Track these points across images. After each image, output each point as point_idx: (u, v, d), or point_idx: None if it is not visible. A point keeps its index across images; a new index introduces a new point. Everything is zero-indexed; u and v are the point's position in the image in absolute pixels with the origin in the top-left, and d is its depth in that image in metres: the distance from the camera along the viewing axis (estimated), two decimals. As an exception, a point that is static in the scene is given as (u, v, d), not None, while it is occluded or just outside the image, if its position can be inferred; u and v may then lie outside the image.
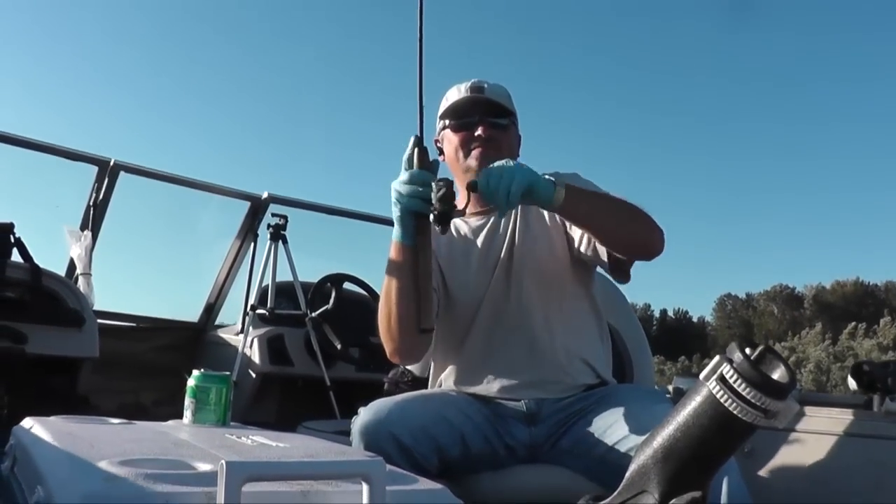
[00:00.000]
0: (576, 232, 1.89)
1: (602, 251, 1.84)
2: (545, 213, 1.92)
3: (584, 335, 1.96)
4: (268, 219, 4.08)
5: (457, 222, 2.03)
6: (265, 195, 4.20)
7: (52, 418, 1.45)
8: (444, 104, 2.02)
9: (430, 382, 2.07)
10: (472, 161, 1.93)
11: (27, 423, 1.39)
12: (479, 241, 1.97)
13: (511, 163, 1.59)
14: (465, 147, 1.95)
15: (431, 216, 1.54)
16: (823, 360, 31.38)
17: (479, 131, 1.93)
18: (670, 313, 57.50)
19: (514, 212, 1.96)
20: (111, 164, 3.80)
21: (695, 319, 58.21)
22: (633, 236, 1.78)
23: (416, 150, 1.61)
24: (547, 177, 1.62)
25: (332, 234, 4.93)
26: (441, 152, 2.03)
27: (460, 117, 1.96)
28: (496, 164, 1.58)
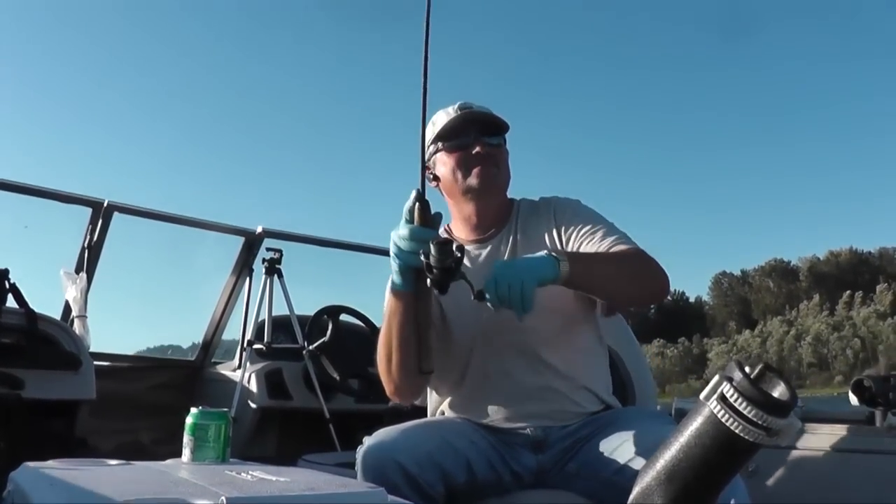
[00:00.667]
0: None
1: None
2: (546, 237, 1.92)
3: (588, 361, 1.94)
4: (262, 253, 4.08)
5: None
6: (259, 230, 4.20)
7: (50, 462, 1.44)
8: (433, 129, 1.98)
9: (428, 411, 2.06)
10: (474, 180, 1.91)
11: (24, 468, 1.38)
12: (478, 267, 1.93)
13: (512, 266, 1.59)
14: (463, 167, 1.92)
15: (429, 280, 1.52)
16: (823, 331, 31.38)
17: (476, 149, 1.91)
18: (667, 296, 57.27)
19: (512, 236, 1.96)
20: (105, 205, 3.80)
21: (692, 300, 58.11)
22: (640, 292, 1.80)
23: (417, 204, 1.58)
24: (547, 256, 1.61)
25: (327, 266, 4.94)
26: (434, 178, 2.00)
27: (455, 137, 1.94)
28: (497, 269, 1.57)
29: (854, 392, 2.53)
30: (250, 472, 1.33)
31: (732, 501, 1.46)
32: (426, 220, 1.58)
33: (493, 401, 1.88)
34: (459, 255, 1.51)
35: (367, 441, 1.72)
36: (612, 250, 1.79)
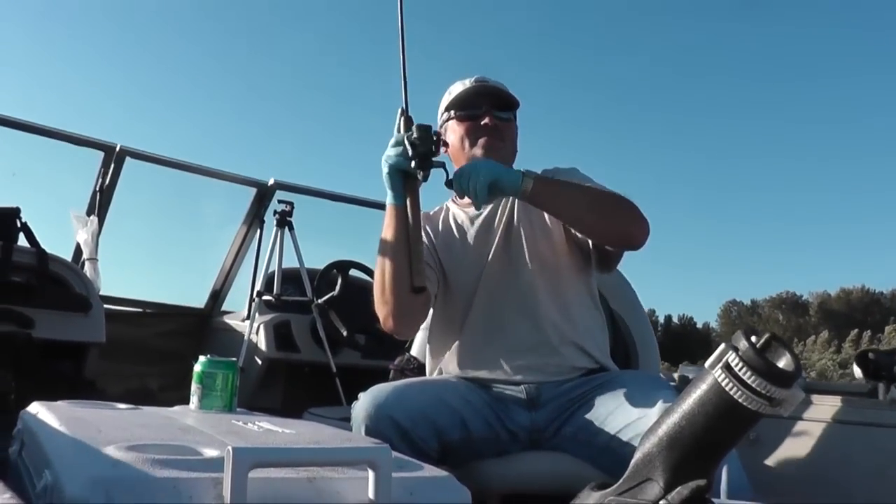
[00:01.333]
0: None
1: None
2: None
3: (581, 320, 1.96)
4: (274, 205, 4.08)
5: (454, 210, 2.08)
6: (271, 181, 4.20)
7: (59, 403, 1.46)
8: (448, 97, 2.05)
9: (427, 370, 2.09)
10: (478, 150, 1.96)
11: (34, 407, 1.40)
12: (476, 226, 2.01)
13: (481, 161, 1.73)
14: (471, 136, 1.98)
15: (413, 162, 1.64)
16: (828, 368, 31.47)
17: (485, 120, 1.96)
18: (675, 319, 57.57)
19: (511, 203, 2.00)
20: (117, 149, 3.80)
21: (699, 325, 58.32)
22: (612, 226, 1.80)
23: (401, 118, 1.70)
24: (517, 170, 1.73)
25: (337, 221, 4.94)
26: (445, 144, 2.02)
27: (466, 107, 2.00)
28: (469, 164, 1.72)
29: (858, 365, 2.54)
30: (256, 423, 1.35)
31: (725, 469, 1.48)
32: (409, 128, 1.68)
33: (488, 355, 1.91)
34: (437, 139, 1.66)
35: (362, 397, 1.76)
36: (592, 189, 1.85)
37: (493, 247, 1.96)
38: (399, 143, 1.67)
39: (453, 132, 2.02)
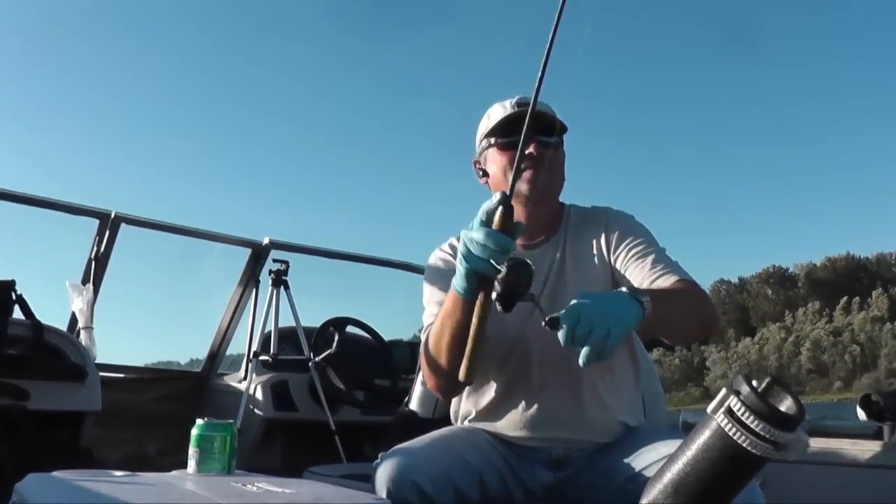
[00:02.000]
0: (622, 279, 1.81)
1: None
2: (595, 250, 1.86)
3: (622, 387, 1.88)
4: (269, 264, 4.08)
5: None
6: (266, 241, 4.20)
7: (56, 473, 1.44)
8: (487, 122, 1.90)
9: (452, 412, 2.00)
10: (524, 185, 1.80)
11: (30, 479, 1.38)
12: None
13: (601, 305, 1.41)
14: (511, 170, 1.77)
15: (494, 294, 1.40)
16: (822, 338, 31.39)
17: (530, 149, 1.78)
18: None
19: (561, 246, 1.88)
20: (112, 216, 3.81)
21: None
22: (696, 332, 1.74)
23: (500, 208, 1.41)
24: (628, 297, 1.47)
25: (333, 279, 4.94)
26: (483, 174, 1.93)
27: (508, 135, 1.83)
28: (582, 305, 1.38)
29: (862, 407, 2.52)
30: (256, 484, 1.33)
31: None
32: (506, 227, 1.41)
33: (521, 415, 1.82)
34: (531, 276, 1.40)
35: (384, 460, 1.66)
36: (668, 283, 1.69)
37: (538, 298, 1.77)
38: (489, 244, 1.39)
39: (494, 162, 1.87)
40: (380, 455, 1.70)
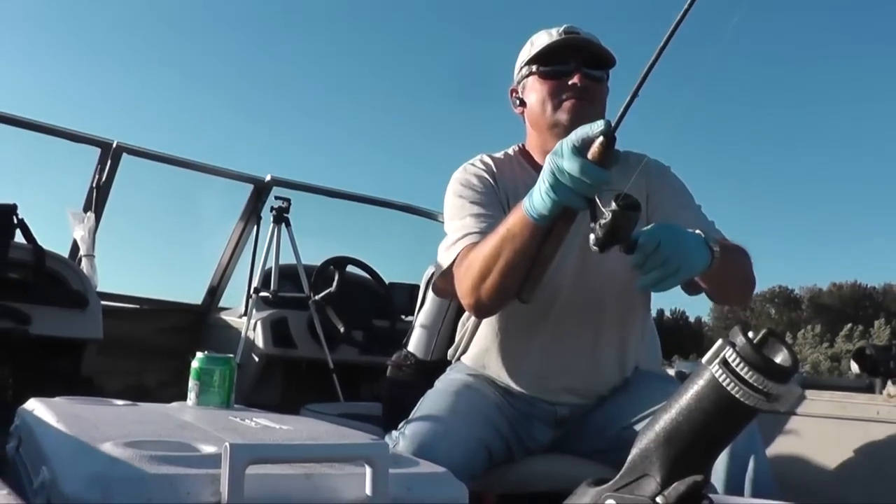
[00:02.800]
0: None
1: None
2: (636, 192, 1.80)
3: (636, 346, 1.86)
4: (271, 202, 4.08)
5: (527, 178, 1.78)
6: (268, 178, 4.19)
7: (57, 399, 1.46)
8: (530, 49, 1.80)
9: (456, 346, 1.96)
10: (563, 115, 1.73)
11: (31, 403, 1.39)
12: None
13: (682, 239, 1.35)
14: (556, 98, 1.73)
15: (592, 236, 1.26)
16: (820, 361, 31.55)
17: (574, 80, 1.70)
18: (667, 313, 57.54)
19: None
20: (114, 145, 3.80)
21: (692, 320, 58.26)
22: (741, 291, 1.70)
23: (601, 138, 1.28)
24: (702, 238, 1.41)
25: (334, 218, 4.93)
26: (520, 103, 1.84)
27: (553, 63, 1.74)
28: (664, 232, 1.31)
29: (855, 360, 2.54)
30: (254, 419, 1.35)
31: (752, 462, 1.48)
32: (604, 160, 1.30)
33: (534, 369, 1.79)
34: (637, 219, 1.26)
35: (402, 441, 1.59)
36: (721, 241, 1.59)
37: (572, 253, 1.71)
38: (585, 176, 1.29)
39: (534, 91, 1.77)
40: (400, 428, 1.66)
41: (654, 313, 2.09)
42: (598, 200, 1.30)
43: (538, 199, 1.40)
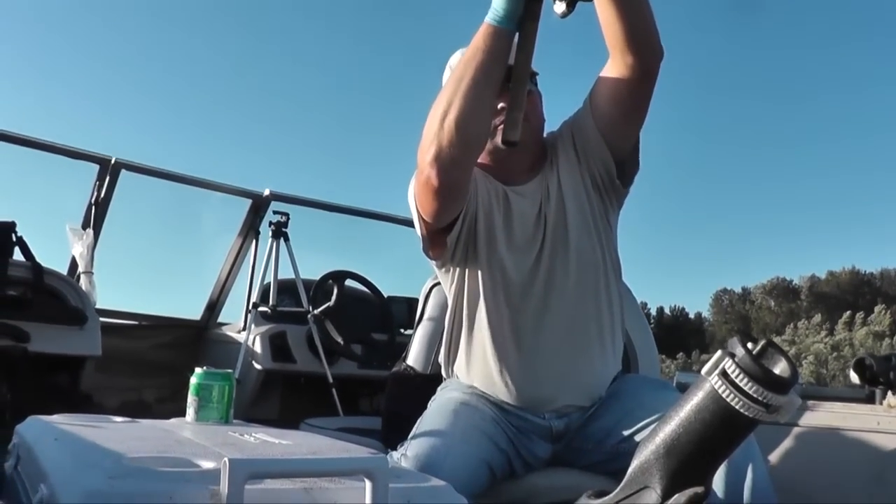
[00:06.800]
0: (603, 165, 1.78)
1: (609, 157, 1.76)
2: (576, 160, 1.81)
3: (615, 344, 1.85)
4: (269, 216, 4.08)
5: (482, 176, 1.81)
6: (267, 192, 4.20)
7: (55, 417, 1.45)
8: (450, 73, 1.71)
9: (445, 363, 1.93)
10: (500, 139, 1.68)
11: (30, 421, 1.39)
12: (524, 211, 1.80)
13: None
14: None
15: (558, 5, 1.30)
16: (822, 351, 31.44)
17: (502, 102, 1.63)
18: (667, 311, 57.46)
19: (552, 173, 1.81)
20: (112, 162, 3.81)
21: (692, 315, 58.20)
22: (647, 24, 1.60)
23: None
24: None
25: (333, 232, 4.94)
26: None
27: None
28: None
29: (855, 371, 2.54)
30: (253, 434, 1.34)
31: (750, 470, 1.48)
32: None
33: (523, 381, 1.77)
34: None
35: (402, 459, 1.58)
36: None
37: (543, 246, 1.76)
38: None
39: None
40: (400, 448, 1.65)
41: (654, 311, 2.09)
42: None
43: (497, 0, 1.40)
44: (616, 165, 1.79)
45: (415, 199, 1.72)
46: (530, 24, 1.37)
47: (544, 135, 1.90)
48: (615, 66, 1.65)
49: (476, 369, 1.83)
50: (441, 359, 1.96)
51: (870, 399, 2.47)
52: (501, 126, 1.65)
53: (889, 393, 2.34)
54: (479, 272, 1.78)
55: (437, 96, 1.55)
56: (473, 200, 1.76)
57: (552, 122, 1.92)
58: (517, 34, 1.42)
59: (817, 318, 38.50)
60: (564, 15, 1.33)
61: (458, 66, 1.51)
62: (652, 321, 53.58)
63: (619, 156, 1.79)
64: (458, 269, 1.83)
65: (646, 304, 53.96)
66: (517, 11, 1.39)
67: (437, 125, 1.53)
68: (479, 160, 1.79)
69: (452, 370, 1.91)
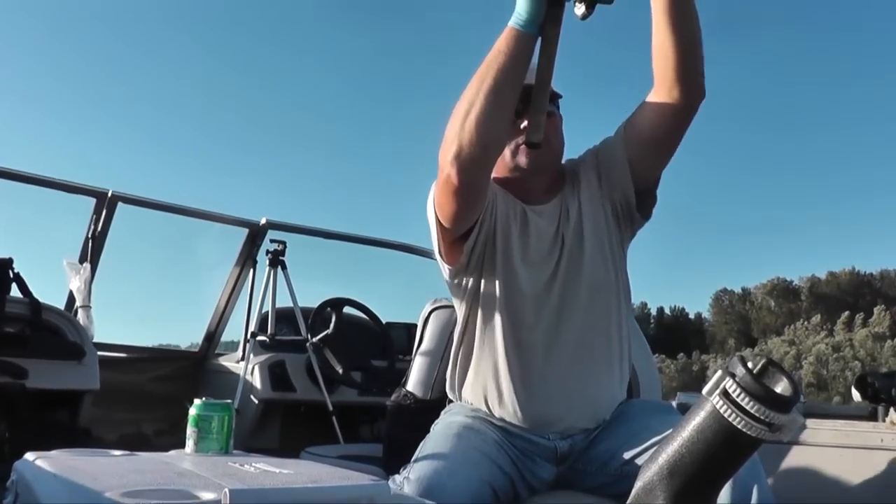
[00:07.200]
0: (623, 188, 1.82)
1: (630, 187, 1.80)
2: (592, 189, 1.85)
3: (622, 368, 1.86)
4: (266, 245, 4.08)
5: (502, 194, 1.85)
6: (263, 221, 4.20)
7: (54, 452, 1.44)
8: None
9: (451, 385, 1.93)
10: (522, 158, 1.78)
11: (29, 457, 1.38)
12: (542, 232, 1.82)
13: None
14: (511, 142, 1.78)
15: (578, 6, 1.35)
16: (823, 352, 31.43)
17: (524, 124, 1.68)
18: (667, 311, 57.27)
19: (572, 196, 1.85)
20: (109, 195, 3.81)
21: (692, 316, 58.06)
22: (696, 46, 1.64)
23: None
24: None
25: (330, 259, 4.94)
26: None
27: None
28: None
29: (857, 388, 2.53)
30: (253, 464, 1.33)
31: (755, 491, 1.47)
32: None
33: (529, 402, 1.77)
34: None
35: (407, 486, 1.58)
36: None
37: (559, 264, 1.78)
38: None
39: None
40: (402, 472, 1.65)
41: (654, 311, 2.10)
42: None
43: (521, 3, 1.44)
44: (637, 196, 1.83)
45: (434, 204, 1.74)
46: (552, 28, 1.41)
47: (563, 160, 1.93)
48: (660, 98, 1.69)
49: (484, 385, 1.82)
50: (447, 377, 1.95)
51: (872, 416, 2.46)
52: (522, 146, 1.74)
53: (892, 410, 2.34)
54: (494, 284, 1.80)
55: (460, 96, 1.58)
56: (492, 214, 1.78)
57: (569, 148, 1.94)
58: (539, 38, 1.46)
59: (817, 318, 38.49)
60: (585, 17, 1.37)
61: (481, 68, 1.54)
62: (652, 321, 53.39)
63: (641, 186, 1.82)
64: (471, 280, 1.83)
65: (646, 304, 53.94)
66: (540, 15, 1.43)
67: (458, 125, 1.55)
68: (498, 179, 1.84)
69: (459, 389, 1.90)
